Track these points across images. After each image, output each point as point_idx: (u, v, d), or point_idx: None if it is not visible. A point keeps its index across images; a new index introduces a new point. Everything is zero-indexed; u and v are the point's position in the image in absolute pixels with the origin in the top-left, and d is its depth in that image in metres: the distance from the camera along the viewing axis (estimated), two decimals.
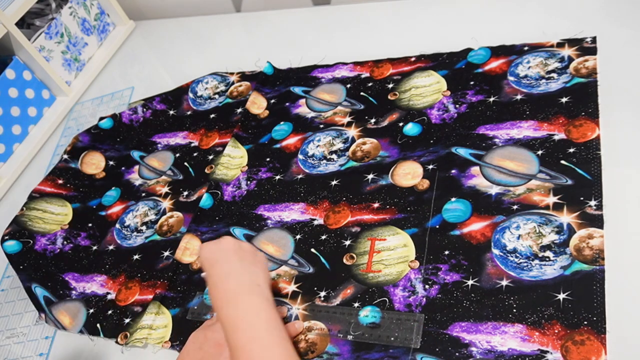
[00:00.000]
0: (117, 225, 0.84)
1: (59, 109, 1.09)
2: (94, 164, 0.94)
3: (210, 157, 0.86)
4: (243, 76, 0.96)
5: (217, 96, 0.95)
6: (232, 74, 0.97)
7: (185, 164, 0.87)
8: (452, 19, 0.89)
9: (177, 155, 0.90)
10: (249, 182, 0.79)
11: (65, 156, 0.93)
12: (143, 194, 0.86)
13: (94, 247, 0.82)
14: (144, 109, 0.97)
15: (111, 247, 0.81)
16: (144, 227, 0.81)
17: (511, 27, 0.82)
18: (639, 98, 0.66)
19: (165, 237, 0.78)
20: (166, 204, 0.83)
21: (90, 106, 1.09)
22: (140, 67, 1.13)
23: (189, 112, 0.95)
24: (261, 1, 1.14)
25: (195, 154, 0.88)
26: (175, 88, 0.99)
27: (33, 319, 0.78)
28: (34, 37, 1.04)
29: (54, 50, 1.08)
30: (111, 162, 0.94)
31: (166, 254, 0.76)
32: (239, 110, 0.90)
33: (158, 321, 0.69)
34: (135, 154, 0.93)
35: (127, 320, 0.71)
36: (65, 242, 0.83)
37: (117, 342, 0.69)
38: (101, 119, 0.97)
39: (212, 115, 0.93)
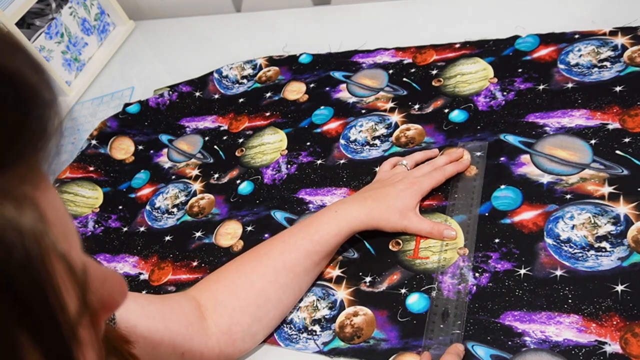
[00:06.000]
0: (148, 207, 0.83)
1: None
2: (123, 149, 0.94)
3: (241, 140, 0.85)
4: (270, 60, 0.95)
5: (245, 80, 0.95)
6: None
7: (215, 147, 0.87)
8: (449, 15, 0.87)
9: (207, 138, 0.89)
10: (289, 165, 0.78)
11: (94, 141, 0.93)
12: (173, 177, 0.86)
13: (125, 229, 0.82)
14: (170, 92, 0.97)
15: (142, 229, 0.81)
16: (175, 209, 0.81)
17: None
18: None
19: (196, 219, 0.78)
20: (196, 186, 0.83)
21: (90, 106, 1.08)
22: (140, 67, 1.12)
23: (216, 95, 0.95)
24: (261, 1, 1.13)
25: (224, 137, 0.87)
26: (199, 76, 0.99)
27: None
28: (34, 37, 1.04)
29: (54, 50, 1.07)
30: (140, 147, 0.93)
31: (198, 234, 0.76)
32: (268, 94, 0.90)
33: None
34: (164, 138, 0.93)
35: None
36: (96, 226, 0.83)
37: None
38: (127, 105, 0.97)
39: (240, 100, 0.92)
